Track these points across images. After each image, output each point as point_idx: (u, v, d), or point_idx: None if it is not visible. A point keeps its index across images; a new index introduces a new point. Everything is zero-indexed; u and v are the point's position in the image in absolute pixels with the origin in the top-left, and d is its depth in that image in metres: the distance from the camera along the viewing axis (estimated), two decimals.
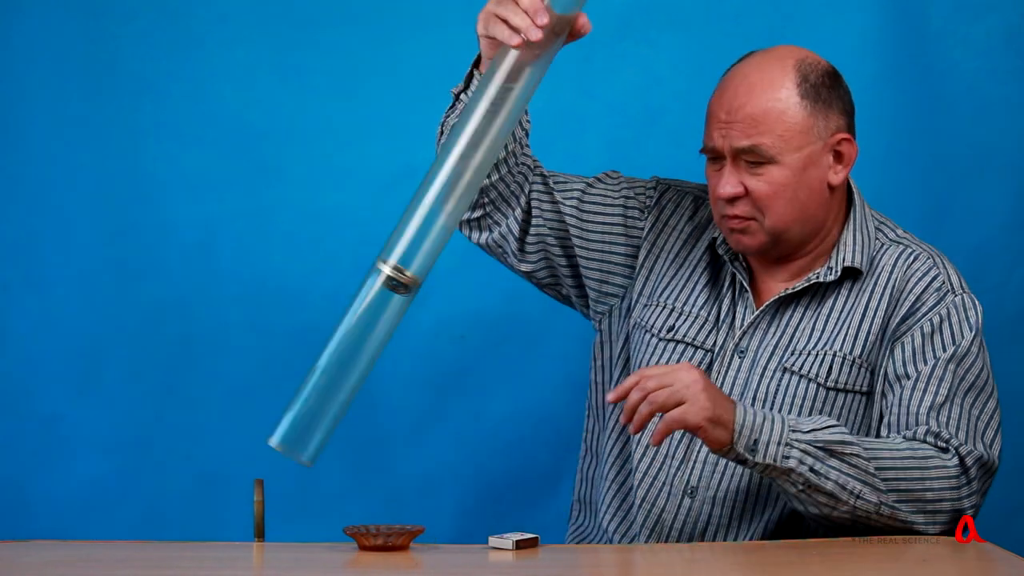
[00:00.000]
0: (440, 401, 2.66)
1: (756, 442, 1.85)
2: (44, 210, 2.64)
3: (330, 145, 2.65)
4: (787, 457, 1.86)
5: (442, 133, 2.12)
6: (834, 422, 1.90)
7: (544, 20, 1.79)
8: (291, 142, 2.65)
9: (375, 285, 1.80)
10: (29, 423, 2.63)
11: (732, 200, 2.00)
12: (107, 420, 2.64)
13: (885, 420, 1.98)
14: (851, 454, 1.88)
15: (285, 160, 2.65)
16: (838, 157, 2.03)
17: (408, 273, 1.80)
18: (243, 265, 2.64)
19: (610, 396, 1.87)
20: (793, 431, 1.87)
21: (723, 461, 2.00)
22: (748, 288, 2.06)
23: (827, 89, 2.02)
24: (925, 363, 1.97)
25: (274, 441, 1.81)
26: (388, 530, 1.82)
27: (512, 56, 1.80)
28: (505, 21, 1.81)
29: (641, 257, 2.13)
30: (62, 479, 2.62)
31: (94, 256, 2.64)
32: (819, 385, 2.00)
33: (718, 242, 2.09)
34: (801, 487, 1.87)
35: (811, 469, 1.86)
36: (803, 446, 1.86)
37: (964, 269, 2.54)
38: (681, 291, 2.10)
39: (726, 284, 2.08)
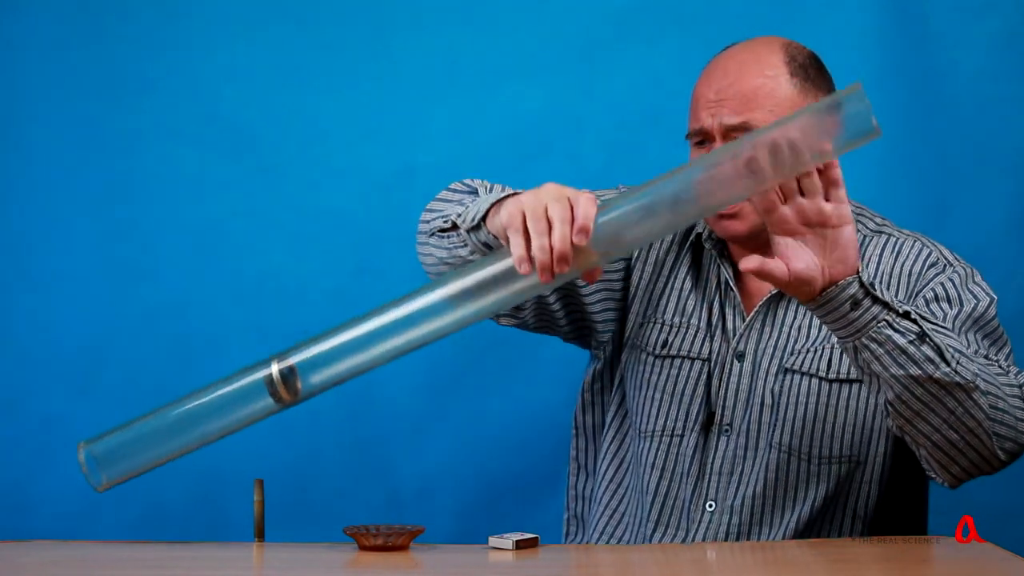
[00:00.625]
0: (440, 401, 2.66)
1: (873, 284, 1.78)
2: (44, 210, 2.64)
3: (330, 145, 2.65)
4: (902, 304, 1.79)
5: (430, 234, 1.97)
6: None
7: (563, 269, 1.69)
8: (291, 142, 2.65)
9: (253, 377, 1.75)
10: (29, 423, 2.63)
11: None
12: (107, 420, 2.62)
13: None
14: (943, 328, 1.83)
15: (285, 160, 2.65)
16: None
17: (299, 385, 1.75)
18: (242, 265, 2.64)
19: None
20: (888, 299, 1.80)
21: (737, 470, 1.99)
22: (735, 288, 2.04)
23: (815, 71, 2.03)
24: (943, 315, 1.95)
25: (83, 454, 1.78)
26: (388, 530, 1.82)
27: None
28: (526, 240, 1.70)
29: (635, 279, 2.10)
30: (62, 479, 2.61)
31: (94, 256, 2.64)
32: (821, 379, 1.99)
33: (704, 237, 2.07)
34: (913, 336, 1.78)
35: (923, 319, 1.79)
36: (909, 305, 1.82)
37: None
38: (669, 301, 2.08)
39: (712, 285, 2.07)
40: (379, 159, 2.65)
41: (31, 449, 2.63)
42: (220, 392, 1.77)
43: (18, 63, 2.63)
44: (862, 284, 1.77)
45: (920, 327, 1.79)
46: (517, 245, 1.70)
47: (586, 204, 1.71)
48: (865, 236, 2.06)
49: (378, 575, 1.70)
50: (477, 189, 1.95)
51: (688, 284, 2.08)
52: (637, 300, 2.10)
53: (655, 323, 2.08)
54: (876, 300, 1.77)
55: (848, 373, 1.99)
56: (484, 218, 1.84)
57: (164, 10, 2.64)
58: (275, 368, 1.75)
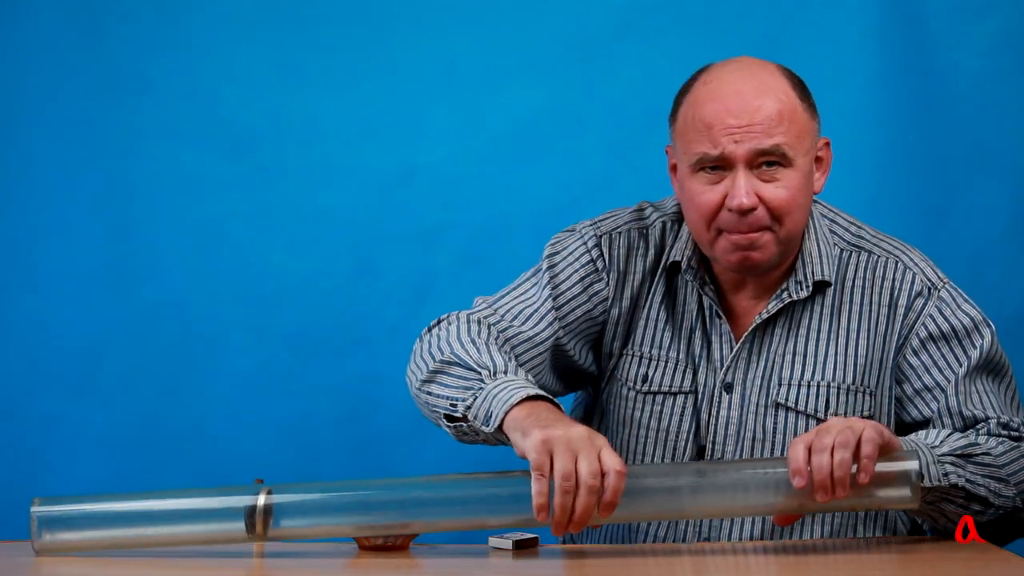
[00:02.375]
0: None
1: (921, 476, 1.77)
2: (44, 210, 2.64)
3: (330, 145, 2.65)
4: (947, 474, 1.80)
5: (432, 408, 1.91)
6: (945, 431, 1.88)
7: (575, 531, 1.71)
8: (291, 142, 2.65)
9: (237, 502, 1.75)
10: (29, 423, 2.63)
11: (747, 212, 1.90)
12: (107, 420, 2.63)
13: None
14: (980, 454, 1.85)
15: (285, 160, 2.65)
16: (818, 162, 1.98)
17: (271, 523, 1.74)
18: (242, 265, 2.64)
19: (798, 481, 1.70)
20: (931, 448, 1.82)
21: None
22: (723, 315, 2.00)
23: (809, 93, 1.97)
24: (949, 369, 1.95)
25: (38, 508, 1.78)
26: None
27: None
28: (549, 488, 1.69)
29: (614, 314, 2.05)
30: (62, 479, 2.61)
31: (94, 256, 2.64)
32: (819, 421, 1.95)
33: (683, 266, 2.01)
34: (961, 500, 1.82)
35: (967, 480, 1.82)
36: (950, 459, 1.82)
37: (964, 270, 2.55)
38: (645, 332, 2.04)
39: (692, 313, 2.02)
40: (379, 159, 2.65)
41: (31, 449, 2.63)
42: (199, 503, 1.77)
43: (18, 63, 2.63)
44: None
45: (966, 490, 1.81)
46: (539, 494, 1.69)
47: (617, 480, 1.69)
48: (843, 251, 2.01)
49: (378, 575, 1.70)
50: (481, 373, 1.86)
51: (663, 315, 2.03)
52: (614, 332, 2.06)
53: (632, 355, 2.04)
54: (927, 490, 1.79)
55: (847, 412, 1.96)
56: (501, 423, 1.80)
57: (164, 10, 2.64)
58: (261, 501, 1.74)
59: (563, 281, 2.03)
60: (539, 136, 2.64)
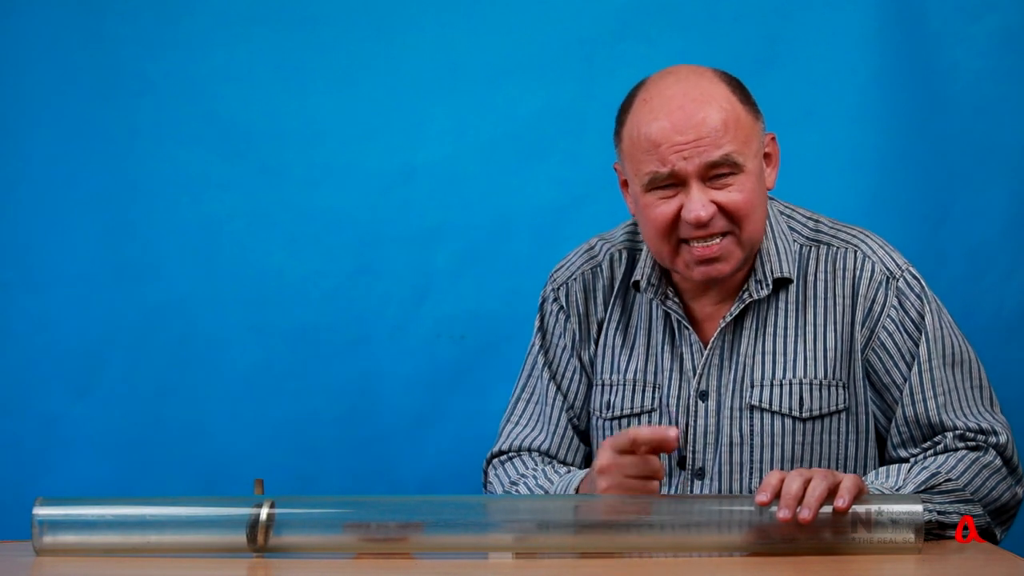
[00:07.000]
0: (440, 401, 2.66)
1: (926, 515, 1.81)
2: (44, 210, 2.64)
3: (330, 145, 2.66)
4: (945, 497, 1.86)
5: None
6: (906, 467, 1.90)
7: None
8: (291, 142, 2.65)
9: (239, 510, 1.75)
10: (29, 423, 2.63)
11: (705, 223, 1.89)
12: (107, 420, 2.64)
13: (899, 439, 1.96)
14: (943, 482, 1.87)
15: (285, 160, 2.65)
16: (767, 159, 1.97)
17: (271, 538, 1.74)
18: (243, 265, 2.64)
19: (761, 497, 1.70)
20: (896, 491, 1.85)
21: None
22: (690, 326, 2.00)
23: (748, 93, 1.96)
24: (908, 366, 1.94)
25: (41, 509, 1.78)
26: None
27: None
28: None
29: (586, 356, 2.08)
30: (62, 479, 2.62)
31: (94, 256, 2.64)
32: (795, 419, 1.96)
33: (643, 285, 2.01)
34: (937, 531, 1.85)
35: (938, 512, 1.84)
36: (944, 498, 1.87)
37: (964, 269, 2.55)
38: (604, 361, 2.06)
39: (657, 330, 2.03)
40: (379, 159, 2.65)
41: (31, 449, 2.63)
42: (204, 512, 1.77)
43: (18, 63, 2.63)
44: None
45: (939, 520, 1.85)
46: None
47: None
48: (802, 246, 2.01)
49: (378, 575, 1.70)
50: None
51: (618, 340, 2.05)
52: (591, 369, 2.08)
53: (597, 385, 2.07)
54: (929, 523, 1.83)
55: (821, 409, 1.96)
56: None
57: (164, 10, 2.64)
58: (264, 512, 1.74)
59: (552, 330, 2.10)
60: (539, 136, 2.64)
